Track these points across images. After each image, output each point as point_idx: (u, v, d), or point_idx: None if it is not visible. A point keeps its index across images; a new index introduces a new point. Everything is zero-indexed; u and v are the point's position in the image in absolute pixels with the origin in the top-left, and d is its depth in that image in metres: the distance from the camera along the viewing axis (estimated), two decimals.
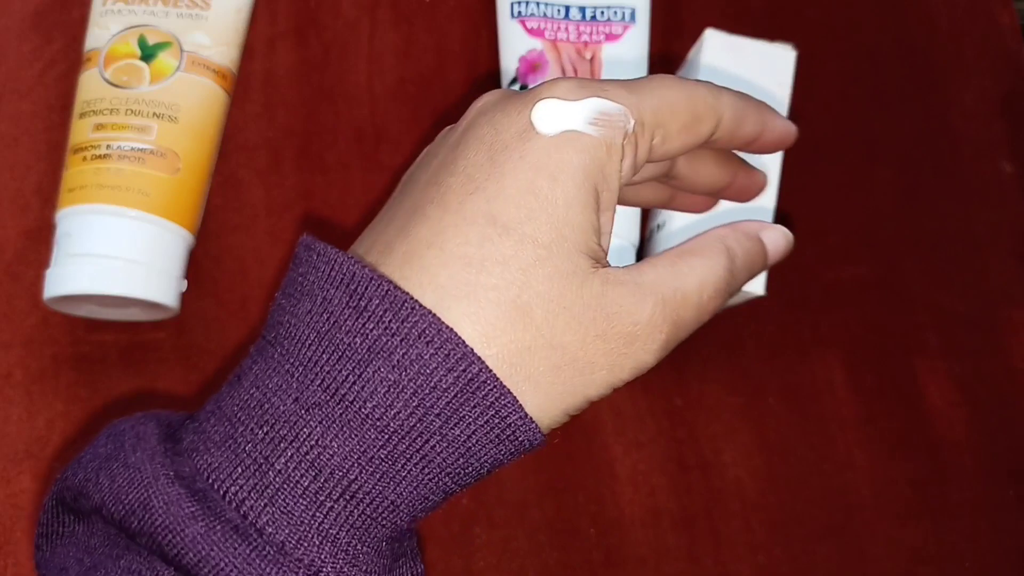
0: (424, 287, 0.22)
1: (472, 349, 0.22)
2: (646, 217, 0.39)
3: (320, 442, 0.21)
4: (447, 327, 0.21)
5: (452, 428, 0.22)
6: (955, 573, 0.39)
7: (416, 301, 0.22)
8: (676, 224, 0.36)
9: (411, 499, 0.22)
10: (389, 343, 0.22)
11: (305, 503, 0.21)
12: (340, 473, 0.22)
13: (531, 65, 0.39)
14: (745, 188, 0.30)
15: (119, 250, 0.34)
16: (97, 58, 0.37)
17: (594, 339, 0.23)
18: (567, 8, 0.40)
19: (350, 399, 0.22)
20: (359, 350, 0.22)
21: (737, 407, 0.39)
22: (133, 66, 0.36)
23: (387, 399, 0.21)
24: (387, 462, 0.22)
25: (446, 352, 0.21)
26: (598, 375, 0.23)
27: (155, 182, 0.35)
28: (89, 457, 0.23)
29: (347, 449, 0.21)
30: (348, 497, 0.22)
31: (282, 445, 0.22)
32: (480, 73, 0.42)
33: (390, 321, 0.22)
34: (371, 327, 0.22)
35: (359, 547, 0.22)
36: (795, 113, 0.37)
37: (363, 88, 0.41)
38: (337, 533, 0.22)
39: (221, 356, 0.37)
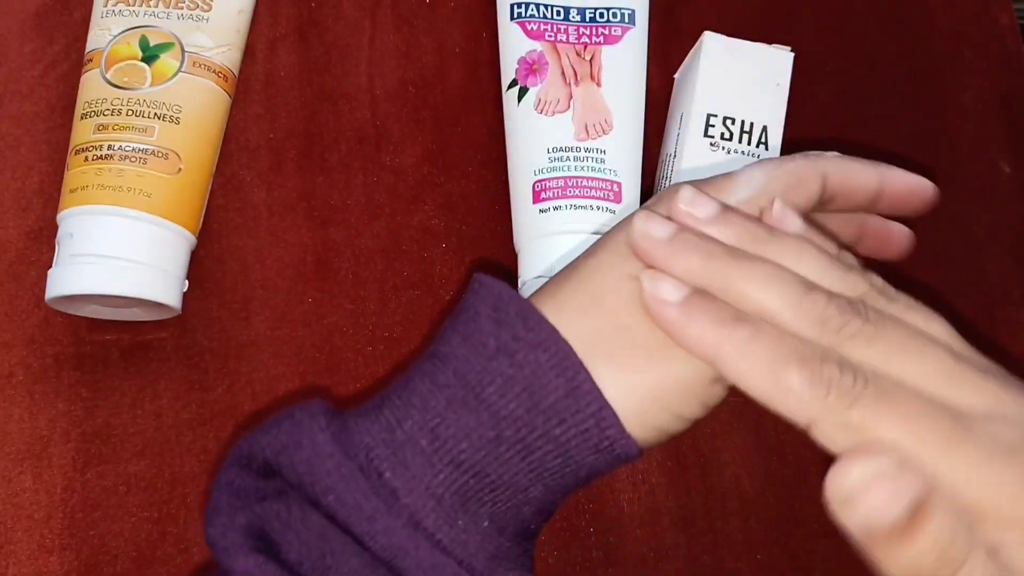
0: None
1: (581, 362, 0.25)
2: None
3: (442, 414, 0.25)
4: (564, 342, 0.25)
5: (555, 427, 0.25)
6: None
7: (544, 318, 0.25)
8: None
9: (511, 485, 0.25)
10: (513, 346, 0.25)
11: (420, 460, 0.25)
12: (452, 443, 0.25)
13: (531, 67, 0.39)
14: (880, 236, 0.32)
15: (121, 250, 0.34)
16: (99, 59, 0.37)
17: None
18: (566, 10, 0.40)
19: (472, 384, 0.25)
20: (489, 348, 0.25)
21: (736, 406, 0.39)
22: (135, 67, 0.37)
23: (502, 389, 0.25)
24: (493, 443, 0.25)
25: (558, 359, 0.25)
26: (675, 367, 0.25)
27: (157, 183, 0.35)
28: (268, 422, 0.27)
29: (461, 423, 0.25)
30: (455, 464, 0.25)
31: (412, 412, 0.25)
32: (480, 75, 0.42)
33: (519, 329, 0.25)
34: (503, 332, 0.25)
35: (459, 512, 0.25)
36: (793, 115, 0.38)
37: (364, 89, 0.42)
38: (442, 493, 0.25)
39: (223, 355, 0.38)
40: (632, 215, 0.27)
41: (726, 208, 0.26)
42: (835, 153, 0.29)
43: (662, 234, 0.26)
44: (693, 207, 0.26)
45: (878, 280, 0.26)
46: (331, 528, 0.24)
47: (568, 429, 0.25)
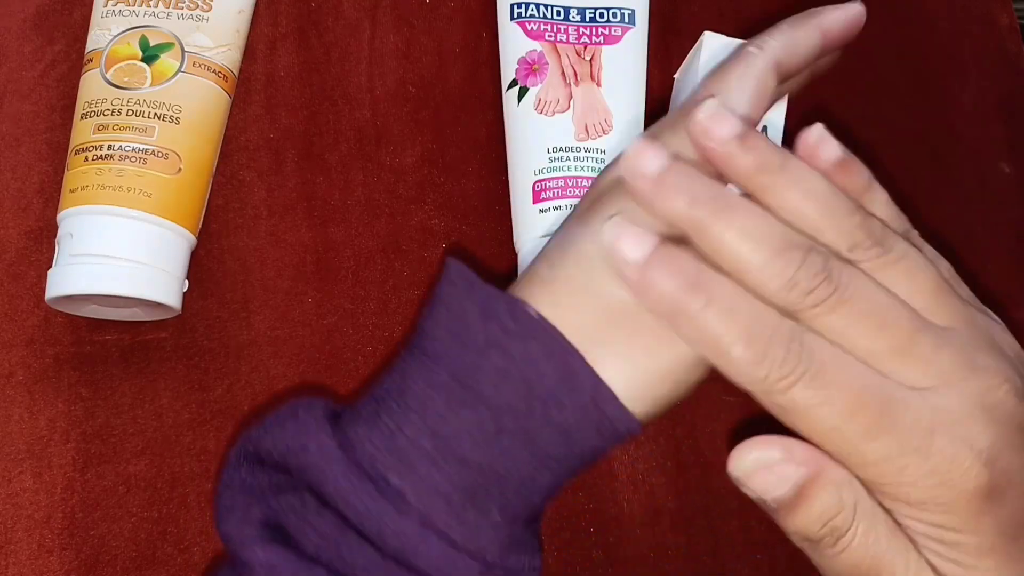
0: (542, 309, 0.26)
1: (572, 346, 0.25)
2: None
3: (441, 414, 0.25)
4: (553, 329, 0.25)
5: (554, 412, 0.25)
6: None
7: (530, 310, 0.25)
8: None
9: (518, 475, 0.25)
10: (503, 338, 0.25)
11: (425, 462, 0.25)
12: (454, 441, 0.25)
13: (531, 67, 0.39)
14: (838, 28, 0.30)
15: (121, 250, 0.34)
16: (99, 59, 0.37)
17: None
18: (567, 10, 0.40)
19: (467, 381, 0.25)
20: (479, 342, 0.25)
21: (736, 406, 0.39)
22: (134, 67, 0.37)
23: (497, 382, 0.25)
24: (495, 436, 0.25)
25: (549, 346, 0.25)
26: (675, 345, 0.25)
27: (157, 183, 0.35)
28: (270, 420, 0.27)
29: (461, 420, 0.25)
30: (460, 462, 0.25)
31: (411, 416, 0.25)
32: (480, 75, 0.42)
33: (507, 322, 0.25)
34: (491, 326, 0.25)
35: (468, 508, 0.25)
36: (793, 115, 0.38)
37: (364, 89, 0.42)
38: (449, 492, 0.25)
39: (223, 355, 0.38)
40: (624, 152, 0.26)
41: (747, 131, 0.26)
42: (776, 31, 0.29)
43: (653, 168, 0.25)
44: (713, 123, 0.25)
45: (877, 228, 0.25)
46: (345, 525, 0.25)
47: (567, 412, 0.25)
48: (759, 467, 0.24)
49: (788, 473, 0.24)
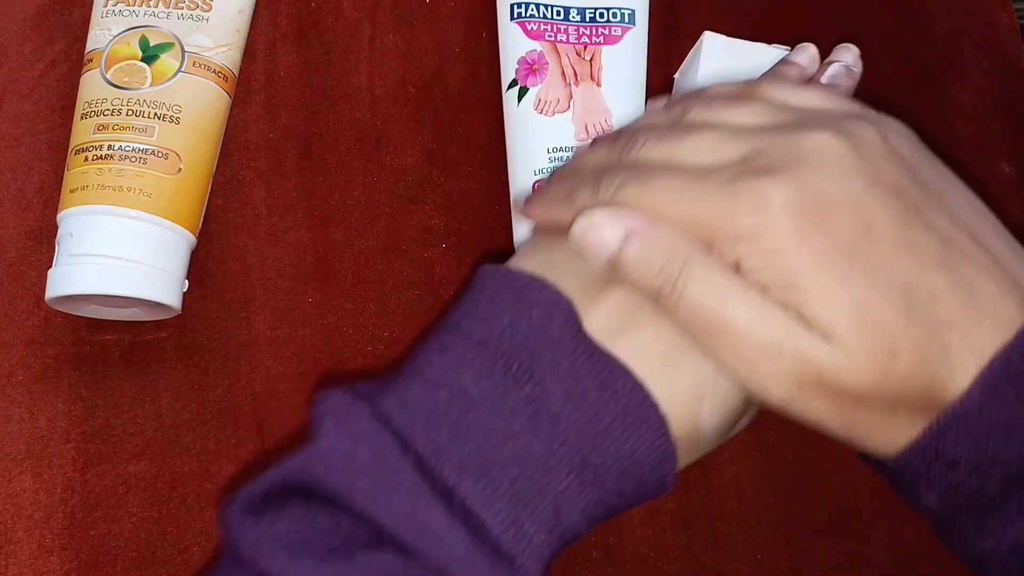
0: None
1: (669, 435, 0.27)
2: None
3: (564, 490, 0.25)
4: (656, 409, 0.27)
5: (638, 490, 0.27)
6: (954, 574, 0.39)
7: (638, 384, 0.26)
8: None
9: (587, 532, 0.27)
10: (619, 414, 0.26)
11: (543, 533, 0.25)
12: (574, 515, 0.26)
13: (531, 67, 0.39)
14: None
15: (121, 250, 0.34)
16: (99, 59, 0.37)
17: None
18: (567, 10, 0.40)
19: (589, 456, 0.26)
20: (604, 421, 0.26)
21: None
22: (134, 67, 0.37)
23: (611, 458, 0.26)
24: (596, 506, 0.26)
25: (655, 432, 0.26)
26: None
27: (157, 183, 0.35)
28: (334, 456, 0.25)
29: (583, 498, 0.26)
30: (563, 533, 0.26)
31: (538, 497, 0.25)
32: (480, 75, 0.42)
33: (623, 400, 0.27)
34: (611, 402, 0.26)
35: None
36: None
37: (364, 89, 0.42)
38: (548, 555, 0.25)
39: (223, 355, 0.38)
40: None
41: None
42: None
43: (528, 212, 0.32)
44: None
45: (677, 111, 0.31)
46: None
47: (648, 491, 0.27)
48: (589, 228, 0.27)
49: (615, 231, 0.27)
